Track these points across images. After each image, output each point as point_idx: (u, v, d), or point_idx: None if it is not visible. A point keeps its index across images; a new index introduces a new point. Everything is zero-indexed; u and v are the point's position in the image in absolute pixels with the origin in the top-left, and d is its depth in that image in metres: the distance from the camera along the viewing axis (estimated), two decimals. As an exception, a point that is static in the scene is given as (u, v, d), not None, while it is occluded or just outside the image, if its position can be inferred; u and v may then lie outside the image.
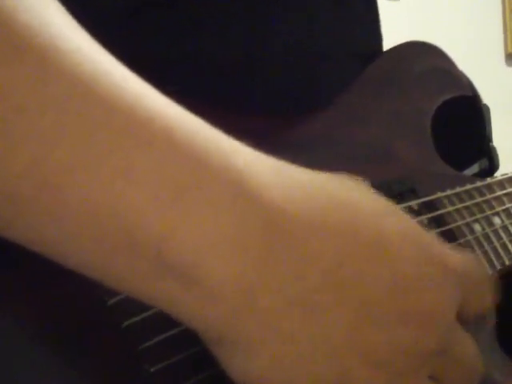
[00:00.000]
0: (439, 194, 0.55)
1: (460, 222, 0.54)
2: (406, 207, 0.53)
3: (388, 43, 0.65)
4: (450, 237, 0.53)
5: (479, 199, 0.57)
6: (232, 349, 0.36)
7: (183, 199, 0.34)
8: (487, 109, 0.65)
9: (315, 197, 0.37)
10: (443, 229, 0.54)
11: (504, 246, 0.56)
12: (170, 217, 0.33)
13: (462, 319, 0.42)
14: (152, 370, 0.39)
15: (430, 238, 0.41)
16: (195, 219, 0.34)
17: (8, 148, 0.32)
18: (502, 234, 0.57)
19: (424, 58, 0.62)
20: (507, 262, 0.55)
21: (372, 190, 0.40)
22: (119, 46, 0.36)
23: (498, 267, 0.55)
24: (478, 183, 0.58)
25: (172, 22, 0.51)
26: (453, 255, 0.41)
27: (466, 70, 0.65)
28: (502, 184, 0.59)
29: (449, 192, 0.56)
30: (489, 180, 0.59)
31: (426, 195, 0.55)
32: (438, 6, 2.65)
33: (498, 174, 0.62)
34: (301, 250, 0.36)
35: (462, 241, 0.54)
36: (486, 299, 0.44)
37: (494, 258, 0.55)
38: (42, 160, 0.32)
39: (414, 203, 0.54)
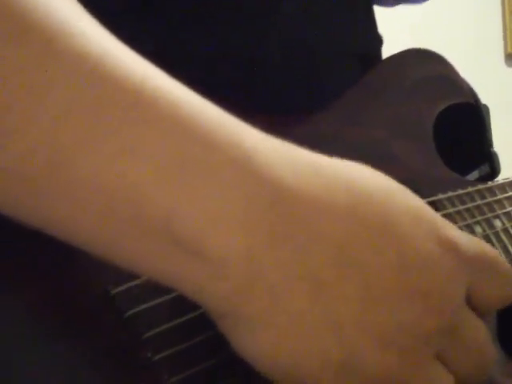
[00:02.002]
0: (440, 196, 0.55)
1: (461, 224, 0.54)
2: None
3: (388, 43, 0.65)
4: None
5: (480, 202, 0.57)
6: (240, 325, 0.37)
7: (190, 174, 0.34)
8: (487, 109, 0.65)
9: (323, 176, 0.38)
10: None
11: (505, 249, 0.56)
12: (178, 191, 0.34)
13: (474, 305, 0.41)
14: (155, 358, 0.39)
15: (441, 220, 0.41)
16: (202, 193, 0.34)
17: (16, 126, 0.32)
18: (503, 237, 0.57)
19: (426, 65, 0.62)
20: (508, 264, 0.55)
21: (381, 173, 0.40)
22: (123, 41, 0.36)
23: None
24: (480, 186, 0.58)
25: (171, 21, 0.51)
26: (464, 239, 0.41)
27: (466, 70, 0.65)
28: (503, 188, 0.59)
29: (450, 194, 0.56)
30: (490, 184, 0.59)
31: (428, 197, 0.55)
32: (438, 6, 2.65)
33: (500, 178, 0.62)
34: (307, 227, 0.36)
35: None
36: (501, 288, 0.42)
37: None
38: (50, 136, 0.32)
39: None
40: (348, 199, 0.37)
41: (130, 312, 0.40)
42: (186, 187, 0.34)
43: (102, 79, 0.34)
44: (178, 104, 0.35)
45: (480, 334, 0.41)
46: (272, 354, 0.37)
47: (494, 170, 0.64)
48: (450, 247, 0.40)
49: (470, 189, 0.57)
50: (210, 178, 0.34)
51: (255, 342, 0.37)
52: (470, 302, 0.41)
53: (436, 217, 0.41)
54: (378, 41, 0.66)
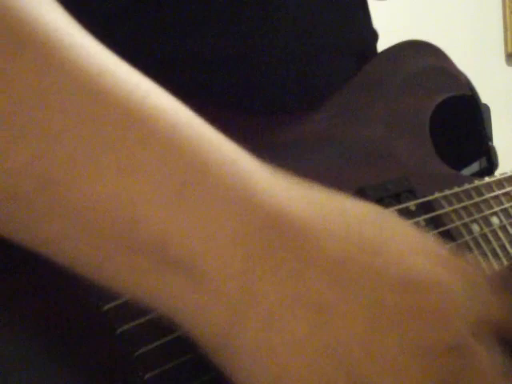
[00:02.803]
0: (437, 195, 0.55)
1: (458, 223, 0.54)
2: (403, 208, 0.53)
3: (388, 43, 0.65)
4: (447, 238, 0.53)
5: (477, 199, 0.57)
6: (236, 358, 0.35)
7: (186, 196, 0.33)
8: (487, 108, 0.65)
9: (316, 201, 0.37)
10: (441, 230, 0.53)
11: (503, 247, 0.55)
12: (173, 212, 0.33)
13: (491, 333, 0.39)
14: (146, 376, 0.39)
15: (439, 244, 0.40)
16: (197, 215, 0.33)
17: (8, 143, 0.31)
18: (501, 235, 0.56)
19: (422, 57, 0.62)
20: (506, 262, 0.55)
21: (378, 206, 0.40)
22: (117, 45, 0.35)
23: (497, 267, 0.54)
24: (477, 182, 0.58)
25: (171, 20, 0.51)
26: (466, 264, 0.40)
27: (466, 70, 0.65)
28: (500, 183, 0.59)
29: (446, 192, 0.56)
30: (487, 179, 0.59)
31: (424, 196, 0.54)
32: (438, 6, 2.66)
33: (498, 173, 0.61)
34: (302, 250, 0.35)
35: (459, 242, 0.53)
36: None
37: (492, 259, 0.54)
38: (42, 154, 0.32)
39: (411, 204, 0.53)
40: (342, 222, 0.37)
41: (122, 328, 0.39)
42: (181, 209, 0.33)
43: (99, 96, 0.33)
44: (176, 125, 0.34)
45: (489, 359, 0.39)
46: None
47: (492, 164, 0.64)
48: (457, 268, 0.39)
49: (466, 186, 0.57)
50: (206, 202, 0.34)
51: (254, 377, 0.35)
52: (486, 329, 0.39)
53: (431, 239, 0.40)
54: (373, 36, 0.66)
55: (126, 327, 0.39)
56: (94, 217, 0.33)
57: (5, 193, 0.32)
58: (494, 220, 0.56)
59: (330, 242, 0.36)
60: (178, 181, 0.33)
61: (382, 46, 0.65)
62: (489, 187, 0.58)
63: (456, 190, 0.56)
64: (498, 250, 0.55)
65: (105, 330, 0.39)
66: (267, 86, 0.55)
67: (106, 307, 0.39)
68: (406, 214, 0.52)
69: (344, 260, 0.36)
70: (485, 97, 0.65)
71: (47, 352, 0.37)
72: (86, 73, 0.33)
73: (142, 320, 0.39)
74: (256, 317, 0.34)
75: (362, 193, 0.51)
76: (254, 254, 0.34)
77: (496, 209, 0.57)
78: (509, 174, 0.59)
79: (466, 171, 0.63)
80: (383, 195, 0.53)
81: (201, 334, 0.35)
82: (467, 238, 0.54)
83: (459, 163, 0.61)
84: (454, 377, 0.37)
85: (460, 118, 0.64)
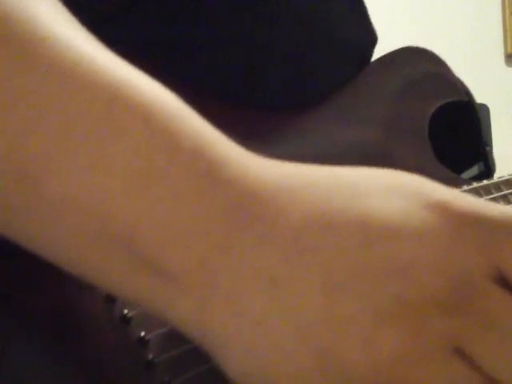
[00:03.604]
0: None
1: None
2: None
3: (388, 43, 0.65)
4: None
5: None
6: (209, 343, 0.34)
7: (151, 189, 0.33)
8: (487, 109, 0.66)
9: (275, 172, 0.35)
10: None
11: None
12: (139, 206, 0.33)
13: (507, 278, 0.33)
14: (157, 360, 0.39)
15: (431, 186, 0.35)
16: (161, 208, 0.33)
17: None
18: None
19: (420, 63, 0.62)
20: None
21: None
22: (118, 37, 0.36)
23: None
24: (475, 185, 0.58)
25: (171, 15, 0.51)
26: (463, 198, 0.35)
27: (466, 70, 0.65)
28: (498, 186, 0.59)
29: None
30: (485, 182, 0.59)
31: None
32: (438, 7, 2.65)
33: (496, 176, 0.62)
34: (257, 225, 0.34)
35: None
36: None
37: None
38: (17, 149, 0.32)
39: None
40: (310, 194, 0.34)
41: (132, 313, 0.40)
42: (146, 202, 0.33)
43: (72, 89, 0.33)
44: (148, 115, 0.34)
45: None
46: (243, 370, 0.34)
47: (489, 169, 0.64)
48: (441, 209, 0.34)
49: (465, 187, 0.57)
50: (169, 192, 0.33)
51: (226, 359, 0.34)
52: (503, 277, 0.33)
53: (425, 184, 0.36)
54: (372, 38, 0.66)
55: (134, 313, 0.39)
56: (68, 212, 0.33)
57: None
58: None
59: (287, 217, 0.34)
60: (144, 174, 0.33)
61: (381, 46, 0.66)
62: (487, 190, 0.59)
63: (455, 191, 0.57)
64: None
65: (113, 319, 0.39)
66: (266, 86, 0.55)
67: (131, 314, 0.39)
68: None
69: (301, 226, 0.33)
70: (484, 97, 0.65)
71: (52, 341, 0.38)
72: (62, 68, 0.33)
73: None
74: (218, 302, 0.33)
75: None
76: (214, 240, 0.33)
77: None
78: (506, 177, 0.60)
79: (463, 176, 0.64)
80: None
81: (183, 328, 0.35)
82: None
83: (457, 168, 0.62)
84: (468, 342, 0.32)
85: (457, 124, 0.64)
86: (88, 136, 0.33)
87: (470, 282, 0.32)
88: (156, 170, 0.33)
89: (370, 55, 0.65)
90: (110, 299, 0.40)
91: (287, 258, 0.33)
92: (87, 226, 0.33)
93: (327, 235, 0.33)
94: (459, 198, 0.35)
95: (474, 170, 0.64)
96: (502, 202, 0.58)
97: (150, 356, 0.40)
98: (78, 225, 0.33)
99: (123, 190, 0.33)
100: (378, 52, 0.65)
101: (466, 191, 0.57)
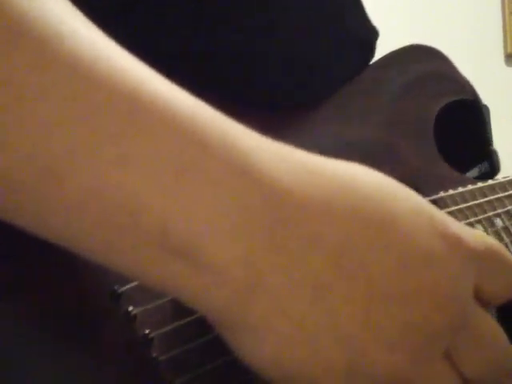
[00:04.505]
0: (442, 194, 0.55)
1: (462, 222, 0.54)
2: None
3: (388, 43, 0.65)
4: None
5: (481, 200, 0.57)
6: (241, 333, 0.36)
7: (185, 181, 0.33)
8: (487, 109, 0.65)
9: (319, 177, 0.37)
10: None
11: (506, 248, 0.56)
12: (173, 199, 0.33)
13: (482, 301, 0.41)
14: (160, 358, 0.40)
15: (442, 216, 0.40)
16: (197, 200, 0.34)
17: (9, 136, 0.32)
18: (504, 236, 0.57)
19: (426, 62, 0.62)
20: None
21: (378, 173, 0.39)
22: (121, 39, 0.35)
23: None
24: (480, 184, 0.58)
25: (170, 16, 0.51)
26: (468, 232, 0.40)
27: (466, 70, 0.65)
28: (503, 186, 0.59)
29: (451, 192, 0.56)
30: (491, 182, 0.59)
31: (429, 195, 0.55)
32: (438, 7, 2.65)
33: (500, 176, 0.62)
34: (305, 229, 0.35)
35: None
36: (509, 280, 0.42)
37: None
38: (42, 146, 0.32)
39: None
40: (345, 199, 0.37)
41: (136, 311, 0.40)
42: (181, 194, 0.33)
43: (95, 85, 0.33)
44: (173, 109, 0.34)
45: (492, 327, 0.41)
46: (275, 361, 0.36)
47: (494, 168, 0.64)
48: (455, 242, 0.39)
49: (470, 187, 0.57)
50: (205, 184, 0.34)
51: (257, 350, 0.36)
52: (477, 297, 0.40)
53: (437, 213, 0.40)
54: (373, 34, 0.66)
55: (139, 309, 0.40)
56: (95, 207, 0.33)
57: (8, 186, 0.33)
58: (498, 222, 0.57)
59: (333, 219, 0.36)
60: (175, 167, 0.33)
61: (381, 45, 0.66)
62: (492, 189, 0.59)
63: (461, 190, 0.57)
64: None
65: (119, 312, 0.40)
66: (267, 83, 0.55)
67: (121, 290, 0.40)
68: None
69: (346, 239, 0.36)
70: (484, 97, 0.65)
71: (58, 337, 0.38)
72: (84, 64, 0.33)
73: (158, 303, 0.40)
74: (259, 297, 0.35)
75: None
76: (257, 234, 0.34)
77: (499, 211, 0.58)
78: (511, 177, 0.60)
79: (468, 175, 0.64)
80: None
81: (210, 316, 0.36)
82: None
83: (461, 167, 0.62)
84: (456, 350, 0.39)
85: (462, 123, 0.64)
86: (114, 131, 0.33)
87: (465, 307, 0.39)
88: (188, 162, 0.34)
89: (374, 48, 0.65)
90: (114, 297, 0.40)
91: (335, 266, 0.36)
92: (115, 221, 0.33)
93: (371, 252, 0.36)
94: (468, 233, 0.40)
95: (477, 170, 0.64)
96: (507, 202, 0.58)
97: (154, 354, 0.40)
98: (104, 217, 0.33)
99: (154, 183, 0.33)
100: (378, 52, 0.65)
101: (470, 190, 0.57)
